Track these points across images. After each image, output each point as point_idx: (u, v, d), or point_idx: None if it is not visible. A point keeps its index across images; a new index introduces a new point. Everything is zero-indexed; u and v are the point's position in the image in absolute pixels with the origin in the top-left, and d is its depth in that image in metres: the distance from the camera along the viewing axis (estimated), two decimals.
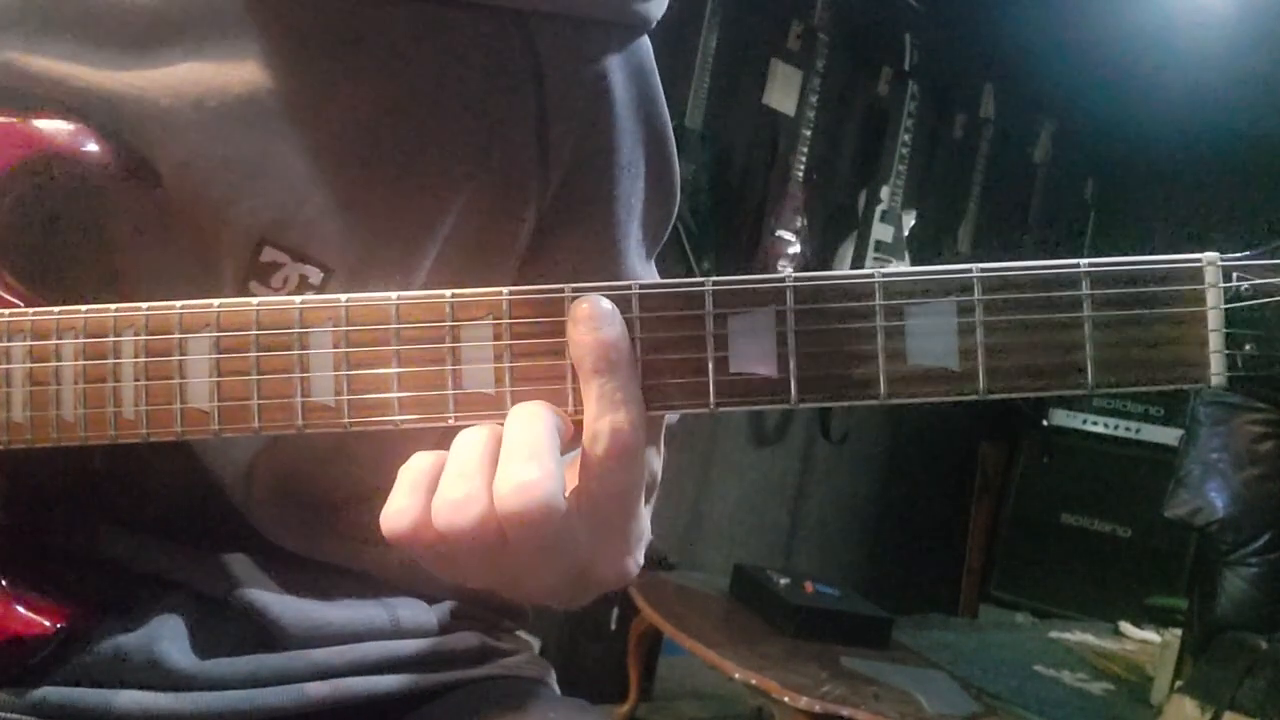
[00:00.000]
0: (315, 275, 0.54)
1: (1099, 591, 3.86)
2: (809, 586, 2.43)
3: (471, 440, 0.41)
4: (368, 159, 0.55)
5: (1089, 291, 0.39)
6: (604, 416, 0.40)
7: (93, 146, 0.52)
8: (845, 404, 0.41)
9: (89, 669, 0.54)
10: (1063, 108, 4.10)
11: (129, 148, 0.53)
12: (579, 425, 0.42)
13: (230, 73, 0.54)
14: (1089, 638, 3.38)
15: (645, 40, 0.63)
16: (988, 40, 3.77)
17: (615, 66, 0.60)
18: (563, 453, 0.41)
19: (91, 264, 0.55)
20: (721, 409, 0.41)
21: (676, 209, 0.68)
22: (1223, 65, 3.34)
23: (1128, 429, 4.00)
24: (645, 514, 0.44)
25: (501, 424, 0.42)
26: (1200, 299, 0.39)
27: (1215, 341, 0.38)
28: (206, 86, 0.53)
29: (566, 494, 0.40)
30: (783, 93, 3.38)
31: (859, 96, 3.71)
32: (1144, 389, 0.40)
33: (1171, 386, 0.39)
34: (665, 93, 0.65)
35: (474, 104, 0.56)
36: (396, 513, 0.41)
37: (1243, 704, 1.83)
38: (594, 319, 0.41)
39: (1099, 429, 4.07)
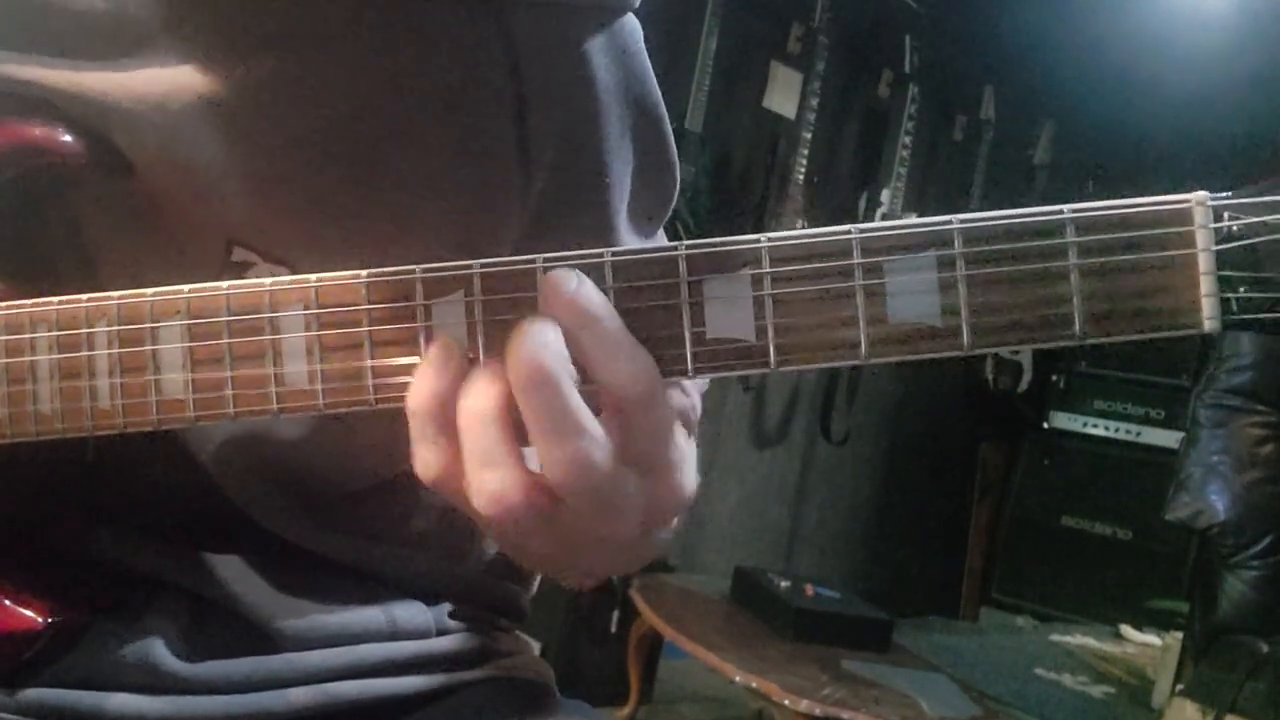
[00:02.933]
0: (287, 276, 0.54)
1: (1100, 594, 3.85)
2: (809, 589, 2.43)
3: (480, 419, 0.40)
4: (337, 156, 0.55)
5: (1074, 239, 0.37)
6: (607, 368, 0.39)
7: (66, 138, 0.52)
8: (826, 366, 0.40)
9: (82, 670, 0.54)
10: (1063, 110, 4.10)
11: (98, 142, 0.53)
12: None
13: (192, 75, 0.53)
14: (1090, 640, 3.37)
15: (630, 20, 0.61)
16: (988, 42, 3.77)
17: (596, 50, 0.58)
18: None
19: (70, 260, 0.54)
20: (700, 376, 0.41)
21: (677, 188, 0.67)
22: (1222, 67, 3.34)
23: (1128, 431, 4.00)
24: (686, 441, 0.43)
25: (495, 383, 0.40)
26: (1190, 241, 0.37)
27: (1207, 285, 0.37)
28: (167, 89, 0.53)
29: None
30: (783, 95, 3.38)
31: (859, 99, 3.71)
32: (1135, 338, 0.37)
33: (1164, 334, 0.37)
34: (665, 96, 0.64)
35: (449, 96, 0.55)
36: (424, 465, 0.41)
37: (1244, 707, 1.83)
38: (562, 284, 0.40)
39: (1100, 431, 4.06)
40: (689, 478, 0.43)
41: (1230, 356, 2.31)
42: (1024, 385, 4.14)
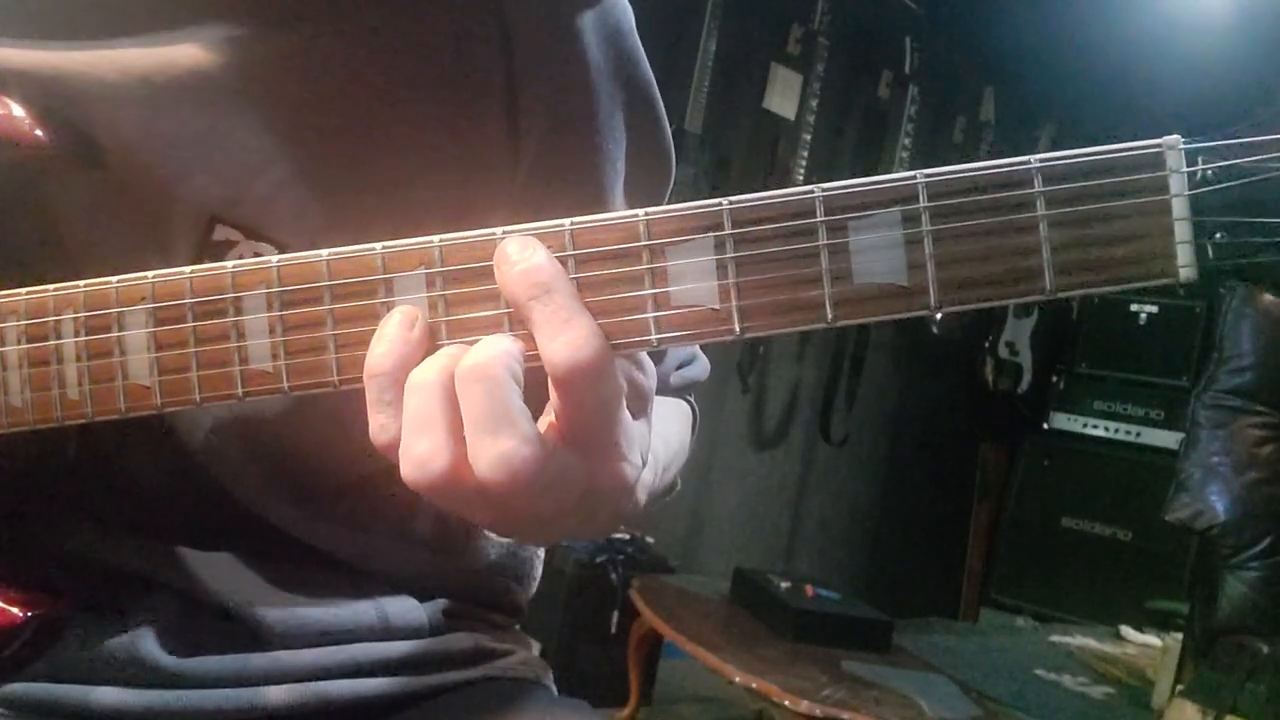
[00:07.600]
0: (270, 253, 0.53)
1: (1100, 595, 3.85)
2: (809, 590, 2.42)
3: (423, 387, 0.40)
4: (326, 130, 0.54)
5: (1042, 189, 0.36)
6: (555, 339, 0.38)
7: (29, 128, 0.51)
8: (792, 330, 0.39)
9: (68, 665, 0.53)
10: (1063, 110, 4.10)
11: (68, 127, 0.52)
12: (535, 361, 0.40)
13: (179, 50, 0.53)
14: (1090, 641, 3.37)
15: (622, 1, 0.62)
16: (988, 44, 3.77)
17: (588, 29, 0.59)
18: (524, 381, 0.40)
19: (42, 250, 0.54)
20: (664, 345, 0.40)
21: (673, 174, 0.67)
22: (1222, 69, 3.34)
23: (1128, 432, 4.00)
24: (634, 423, 0.42)
25: (449, 359, 0.40)
26: (1163, 187, 0.35)
27: (1181, 231, 0.35)
28: (154, 63, 0.53)
29: (543, 430, 0.39)
30: (783, 97, 3.38)
31: (859, 100, 3.71)
32: (1109, 290, 0.36)
33: (1138, 284, 0.36)
34: (665, 97, 0.64)
35: (440, 71, 0.56)
36: (378, 429, 0.41)
37: (1244, 708, 1.83)
38: (515, 254, 0.40)
39: (1099, 432, 4.06)
40: (633, 462, 0.42)
41: (1230, 357, 2.30)
42: (1024, 386, 4.14)
